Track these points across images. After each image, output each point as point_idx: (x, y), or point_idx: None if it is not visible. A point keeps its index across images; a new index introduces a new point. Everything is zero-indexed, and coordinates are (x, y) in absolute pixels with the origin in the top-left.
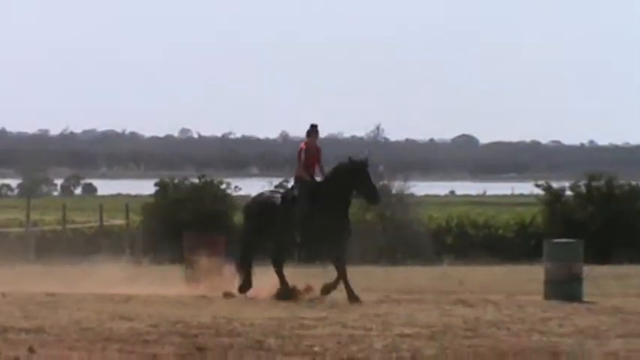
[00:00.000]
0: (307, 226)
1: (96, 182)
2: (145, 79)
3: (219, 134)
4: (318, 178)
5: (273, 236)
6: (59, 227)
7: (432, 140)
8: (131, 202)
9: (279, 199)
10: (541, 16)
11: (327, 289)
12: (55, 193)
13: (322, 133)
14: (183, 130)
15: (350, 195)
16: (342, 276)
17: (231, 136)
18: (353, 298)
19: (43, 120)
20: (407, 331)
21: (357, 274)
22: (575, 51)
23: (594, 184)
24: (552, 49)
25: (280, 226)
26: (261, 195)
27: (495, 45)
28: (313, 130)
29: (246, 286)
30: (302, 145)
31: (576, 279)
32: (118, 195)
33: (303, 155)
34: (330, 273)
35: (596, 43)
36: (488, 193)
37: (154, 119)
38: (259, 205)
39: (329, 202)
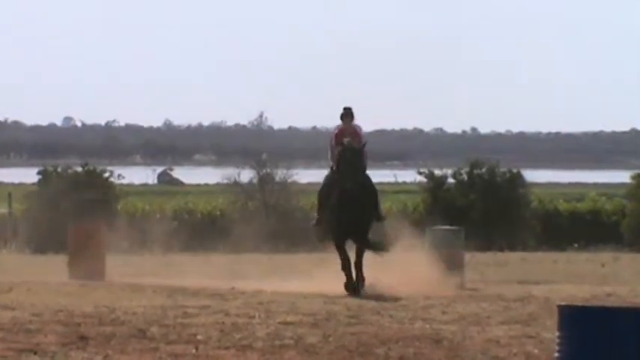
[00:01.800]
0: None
1: None
2: (28, 67)
3: (102, 122)
4: None
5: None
6: None
7: (315, 128)
8: (14, 191)
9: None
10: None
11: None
12: None
13: (205, 121)
14: (67, 119)
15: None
16: (356, 260)
17: (115, 124)
18: (349, 286)
19: None
20: (290, 318)
21: (241, 261)
22: (459, 38)
23: (476, 171)
24: (434, 34)
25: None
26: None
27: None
28: (346, 113)
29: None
30: (335, 131)
31: (458, 266)
32: (1, 183)
33: (333, 142)
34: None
35: (480, 28)
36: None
37: (36, 107)
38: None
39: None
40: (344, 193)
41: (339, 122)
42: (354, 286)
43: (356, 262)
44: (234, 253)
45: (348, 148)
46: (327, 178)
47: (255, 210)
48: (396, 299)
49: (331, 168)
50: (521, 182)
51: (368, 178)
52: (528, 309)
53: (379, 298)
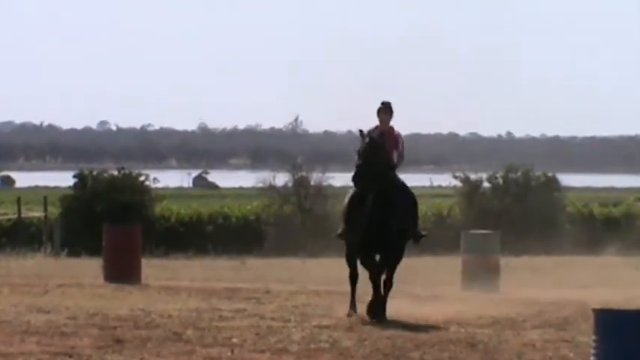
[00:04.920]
0: None
1: (14, 174)
2: (64, 71)
3: (137, 126)
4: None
5: None
6: None
7: (350, 132)
8: (49, 194)
9: None
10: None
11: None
12: None
13: (240, 124)
14: (102, 122)
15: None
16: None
17: (150, 128)
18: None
19: None
20: (325, 322)
21: (275, 266)
22: (490, 41)
23: (511, 175)
24: (469, 40)
25: None
26: None
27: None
28: (384, 108)
29: None
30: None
31: (493, 270)
32: (36, 187)
33: None
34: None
35: (515, 31)
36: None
37: (72, 111)
38: None
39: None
40: (376, 196)
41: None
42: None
43: (385, 282)
44: (269, 257)
45: (369, 137)
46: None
47: (290, 214)
48: (430, 303)
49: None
50: (556, 186)
51: (399, 180)
52: (563, 313)
53: (415, 301)
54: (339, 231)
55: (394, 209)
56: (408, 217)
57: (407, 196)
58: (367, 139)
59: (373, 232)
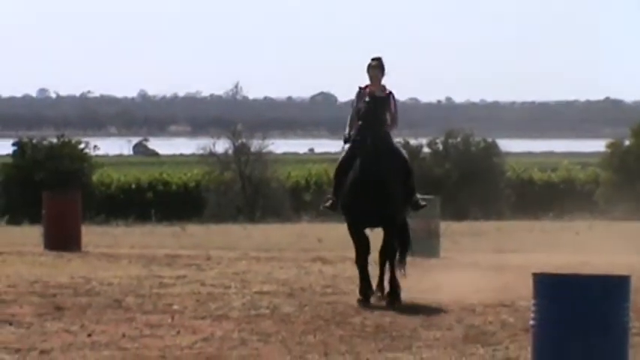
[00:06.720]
0: None
1: None
2: (2, 39)
3: (77, 94)
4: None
5: None
6: None
7: (290, 98)
8: None
9: None
10: None
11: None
12: None
13: (180, 91)
14: (41, 90)
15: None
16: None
17: (90, 95)
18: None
19: None
20: (266, 288)
21: (215, 232)
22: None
23: (451, 141)
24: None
25: None
26: None
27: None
28: (375, 64)
29: None
30: (358, 91)
31: (433, 235)
32: None
33: (356, 105)
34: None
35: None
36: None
37: (10, 79)
38: None
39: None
40: (366, 159)
41: (316, 92)
42: (370, 292)
43: (380, 251)
44: (210, 223)
45: (371, 97)
46: (346, 151)
47: (230, 180)
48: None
49: (345, 139)
50: (495, 152)
51: (395, 145)
52: (503, 277)
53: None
54: (328, 203)
55: (387, 174)
56: (400, 185)
57: (400, 161)
58: (368, 98)
59: (364, 200)
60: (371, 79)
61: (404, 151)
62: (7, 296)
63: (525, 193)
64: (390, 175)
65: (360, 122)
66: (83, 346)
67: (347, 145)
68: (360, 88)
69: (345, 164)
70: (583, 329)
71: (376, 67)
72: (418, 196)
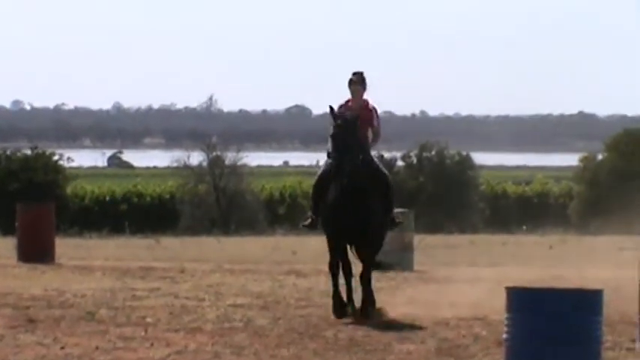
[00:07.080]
0: None
1: None
2: None
3: (51, 105)
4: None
5: None
6: None
7: (264, 111)
8: None
9: None
10: None
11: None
12: None
13: (154, 104)
14: (15, 102)
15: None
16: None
17: (64, 107)
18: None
19: None
20: (240, 301)
21: (189, 244)
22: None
23: (425, 154)
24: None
25: None
26: None
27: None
28: (356, 79)
29: None
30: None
31: (407, 248)
32: None
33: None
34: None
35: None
36: (321, 163)
37: None
38: None
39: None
40: (344, 181)
41: (290, 105)
42: (346, 309)
43: (362, 274)
44: (184, 236)
45: (340, 118)
46: (325, 166)
47: (205, 193)
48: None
49: (328, 154)
50: (469, 165)
51: (374, 162)
52: (477, 291)
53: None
54: (307, 222)
55: (366, 197)
56: (379, 204)
57: (380, 180)
58: (339, 121)
59: (344, 220)
60: (352, 94)
61: (382, 167)
62: None
63: (499, 206)
64: (370, 201)
65: (332, 144)
66: (56, 358)
67: (325, 160)
68: (341, 104)
69: (324, 178)
70: (556, 343)
71: (357, 82)
72: (395, 211)
